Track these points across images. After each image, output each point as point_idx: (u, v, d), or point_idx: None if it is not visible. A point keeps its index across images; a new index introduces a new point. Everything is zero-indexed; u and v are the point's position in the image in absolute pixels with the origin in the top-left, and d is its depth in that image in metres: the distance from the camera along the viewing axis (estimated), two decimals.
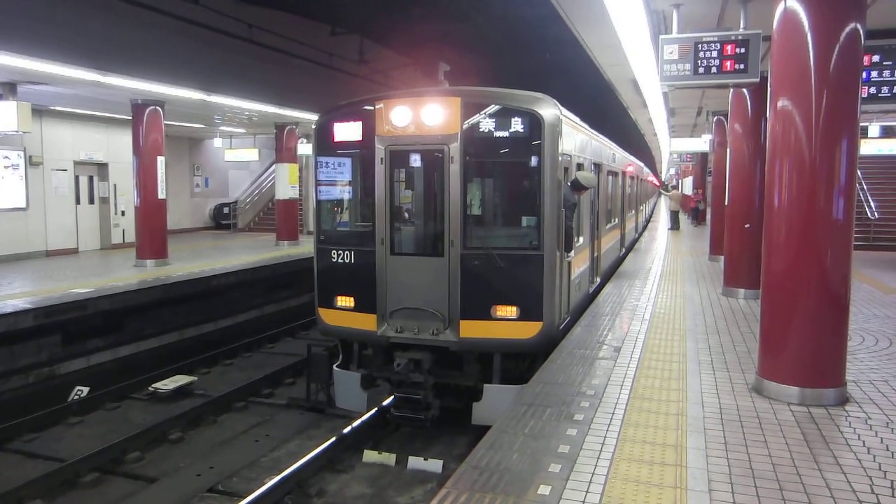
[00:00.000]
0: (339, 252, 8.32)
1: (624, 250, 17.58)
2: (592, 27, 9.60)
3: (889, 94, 8.14)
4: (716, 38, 7.48)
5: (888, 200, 22.87)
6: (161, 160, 15.76)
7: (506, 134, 7.65)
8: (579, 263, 9.61)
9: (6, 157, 16.55)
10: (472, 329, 7.67)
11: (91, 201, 19.74)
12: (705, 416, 5.56)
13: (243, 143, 25.93)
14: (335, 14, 15.47)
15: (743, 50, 7.36)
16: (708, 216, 23.62)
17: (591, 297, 10.94)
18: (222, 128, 23.09)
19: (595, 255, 11.63)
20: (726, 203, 12.19)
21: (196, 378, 11.22)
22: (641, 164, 27.95)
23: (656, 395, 6.09)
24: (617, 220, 15.44)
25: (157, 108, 15.43)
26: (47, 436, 9.10)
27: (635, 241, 22.25)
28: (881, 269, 15.77)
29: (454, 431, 8.47)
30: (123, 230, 20.21)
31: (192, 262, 16.52)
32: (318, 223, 8.75)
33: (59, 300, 11.22)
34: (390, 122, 7.91)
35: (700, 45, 7.49)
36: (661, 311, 9.95)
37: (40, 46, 10.40)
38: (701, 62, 7.49)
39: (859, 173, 6.30)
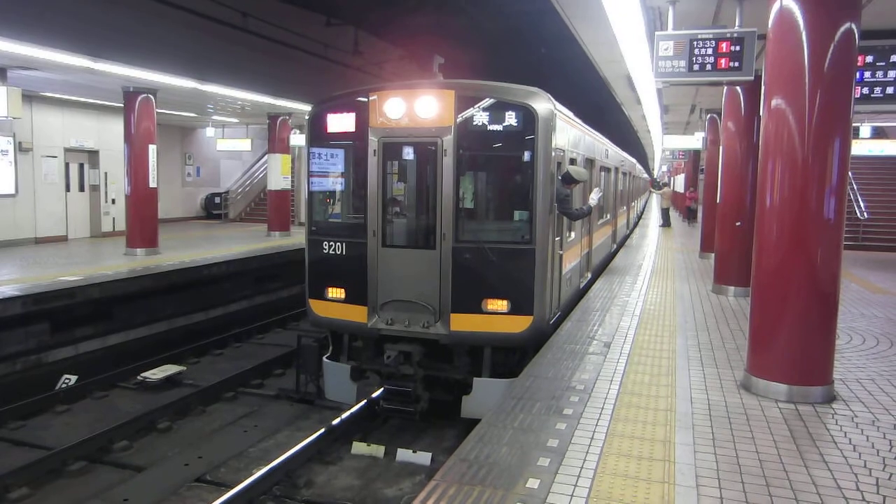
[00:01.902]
0: (331, 243, 8.30)
1: (615, 246, 17.62)
2: (588, 22, 9.60)
3: (882, 95, 8.17)
4: (711, 36, 7.48)
5: (878, 201, 23.00)
6: (153, 149, 15.68)
7: (499, 128, 7.65)
8: (571, 258, 9.62)
9: None
10: (462, 322, 7.68)
11: (81, 189, 19.63)
12: (694, 412, 5.59)
13: (236, 133, 25.83)
14: (330, 4, 15.39)
15: (738, 48, 7.37)
16: (699, 214, 23.69)
17: (582, 293, 10.96)
18: (215, 117, 22.98)
19: (586, 250, 11.65)
20: (718, 201, 12.23)
21: (185, 368, 11.19)
22: (634, 161, 27.99)
23: (645, 390, 6.12)
24: (609, 215, 15.46)
25: (150, 96, 15.35)
26: (34, 424, 9.06)
27: (627, 237, 22.30)
28: (870, 269, 15.87)
29: (443, 424, 8.48)
30: (114, 218, 20.11)
31: (183, 251, 16.45)
32: (309, 214, 8.74)
33: (48, 288, 11.16)
34: (384, 114, 7.88)
35: (695, 43, 7.49)
36: (651, 308, 9.98)
37: (32, 31, 10.31)
38: (696, 59, 7.49)
39: (850, 173, 6.32)
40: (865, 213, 21.93)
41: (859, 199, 22.18)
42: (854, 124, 10.20)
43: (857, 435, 5.19)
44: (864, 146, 20.22)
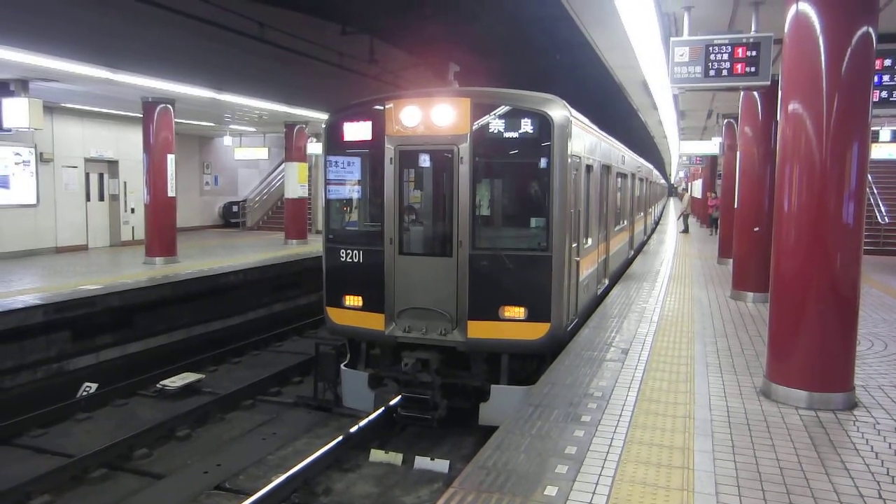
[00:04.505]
0: (348, 251, 8.34)
1: (633, 252, 17.56)
2: (603, 29, 9.59)
3: None
4: (727, 41, 7.47)
5: None
6: (171, 158, 15.83)
7: (515, 135, 7.66)
8: (588, 265, 9.60)
9: (17, 154, 16.64)
10: (479, 329, 7.67)
11: (101, 198, 19.84)
12: (713, 419, 5.56)
13: (253, 142, 26.03)
14: (346, 13, 15.49)
15: (754, 53, 7.35)
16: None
17: (599, 299, 10.93)
18: (232, 126, 23.18)
19: (603, 256, 11.61)
20: (736, 206, 12.17)
21: (204, 376, 11.26)
22: (651, 167, 27.84)
23: (664, 397, 6.09)
24: (626, 222, 15.42)
25: (168, 105, 15.51)
26: (55, 431, 9.15)
27: (644, 243, 22.21)
28: (891, 274, 15.71)
29: (461, 432, 8.48)
30: (133, 227, 20.29)
31: (201, 259, 16.58)
32: (326, 222, 8.78)
33: (69, 297, 11.28)
34: (400, 122, 7.92)
35: (711, 48, 7.48)
36: (669, 314, 9.94)
37: (52, 43, 10.45)
38: (712, 65, 7.48)
39: (870, 178, 6.27)
40: (886, 218, 21.71)
41: (880, 204, 21.96)
42: (874, 128, 10.11)
43: (879, 442, 5.13)
44: (884, 150, 20.01)
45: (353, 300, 8.31)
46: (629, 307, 10.39)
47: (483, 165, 7.88)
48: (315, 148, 22.33)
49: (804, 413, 5.72)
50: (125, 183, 20.26)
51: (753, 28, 7.67)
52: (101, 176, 19.83)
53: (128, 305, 12.20)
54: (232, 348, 13.08)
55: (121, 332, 12.24)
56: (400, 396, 8.05)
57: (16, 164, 16.63)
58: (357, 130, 8.26)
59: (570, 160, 7.78)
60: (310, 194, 23.61)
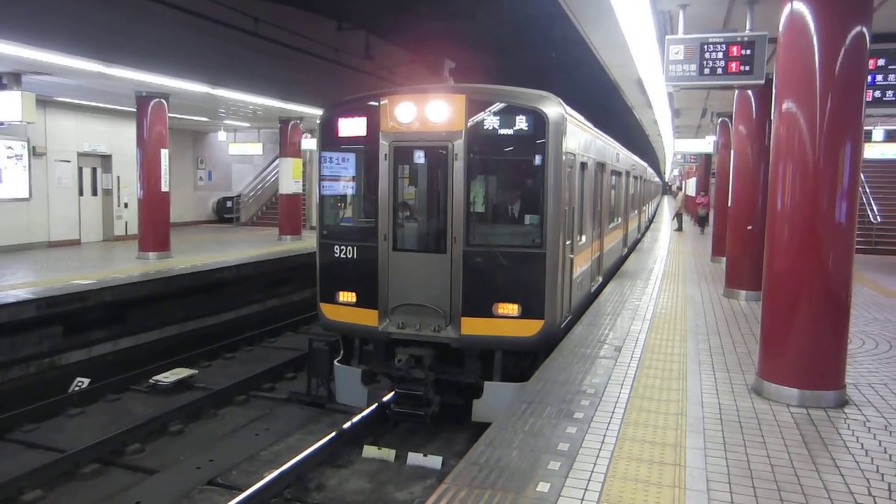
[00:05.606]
0: (342, 247, 8.33)
1: (626, 250, 17.58)
2: (599, 27, 9.61)
3: (894, 98, 8.14)
4: (722, 40, 7.49)
5: (891, 204, 22.83)
6: (165, 153, 15.77)
7: (510, 132, 7.66)
8: (581, 262, 9.61)
9: (10, 148, 16.54)
10: (473, 326, 7.68)
11: (94, 193, 19.76)
12: (705, 416, 5.58)
13: (247, 137, 25.93)
14: (342, 9, 15.47)
15: (748, 51, 7.37)
16: (711, 218, 23.51)
17: (593, 296, 10.95)
18: (227, 121, 23.12)
19: (597, 254, 11.63)
20: (729, 205, 12.20)
21: (197, 371, 11.25)
22: (645, 165, 27.87)
23: (656, 394, 6.11)
24: (620, 219, 15.44)
25: (162, 100, 15.44)
26: (48, 426, 9.12)
27: (638, 241, 22.25)
28: (882, 273, 15.78)
29: (454, 428, 8.49)
30: (126, 222, 20.23)
31: (195, 255, 16.53)
32: (321, 218, 8.77)
33: (61, 291, 11.24)
34: (395, 119, 7.91)
35: (706, 46, 7.49)
36: (662, 312, 9.96)
37: (45, 36, 10.41)
38: (706, 63, 7.49)
39: (862, 177, 6.30)
40: (878, 217, 21.78)
41: (872, 203, 22.02)
42: (867, 127, 10.15)
43: (869, 440, 5.16)
44: (877, 149, 20.08)
45: (346, 296, 8.31)
46: (623, 304, 10.41)
47: (478, 162, 7.88)
48: (310, 144, 22.28)
49: (795, 411, 5.75)
50: (118, 177, 20.18)
51: (748, 27, 7.69)
52: (94, 170, 19.74)
53: (120, 300, 12.17)
54: (225, 344, 13.05)
55: (113, 327, 12.20)
56: (393, 393, 8.06)
57: (8, 157, 16.54)
58: (352, 126, 8.25)
59: (564, 157, 7.79)
60: (304, 190, 23.56)
